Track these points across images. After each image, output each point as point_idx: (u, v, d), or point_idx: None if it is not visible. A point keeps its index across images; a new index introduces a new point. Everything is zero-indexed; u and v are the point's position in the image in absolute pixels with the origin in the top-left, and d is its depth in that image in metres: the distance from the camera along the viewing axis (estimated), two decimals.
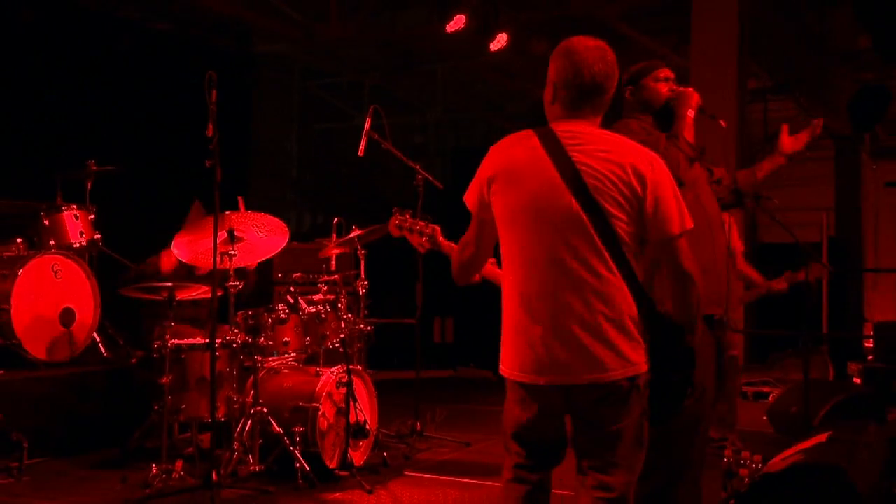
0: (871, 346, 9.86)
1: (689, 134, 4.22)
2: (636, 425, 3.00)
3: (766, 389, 8.88)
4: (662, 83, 4.14)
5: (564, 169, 2.94)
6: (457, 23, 9.56)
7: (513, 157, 3.06)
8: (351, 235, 6.32)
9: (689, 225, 3.02)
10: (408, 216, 3.75)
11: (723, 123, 4.65)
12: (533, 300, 2.98)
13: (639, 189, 2.93)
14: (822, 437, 4.67)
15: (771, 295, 6.46)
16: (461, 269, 3.31)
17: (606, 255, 2.92)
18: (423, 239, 3.68)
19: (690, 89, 4.28)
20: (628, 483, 3.02)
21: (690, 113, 4.21)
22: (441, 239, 3.66)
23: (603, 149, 2.97)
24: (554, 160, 2.96)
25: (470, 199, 3.16)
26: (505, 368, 3.08)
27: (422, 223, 3.71)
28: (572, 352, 2.92)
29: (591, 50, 3.09)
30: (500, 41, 9.93)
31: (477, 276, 3.38)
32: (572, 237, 2.93)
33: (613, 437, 2.98)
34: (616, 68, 3.11)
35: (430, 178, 6.85)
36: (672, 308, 3.05)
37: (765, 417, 6.93)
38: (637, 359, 2.95)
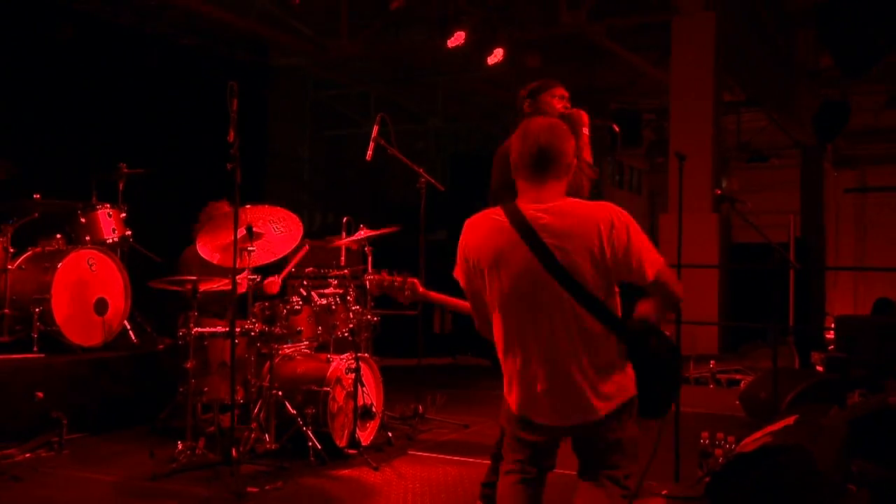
0: (832, 337, 9.86)
1: (587, 153, 4.32)
2: (630, 438, 3.08)
3: (737, 377, 8.88)
4: (557, 100, 4.25)
5: (541, 254, 2.95)
6: (457, 39, 9.55)
7: (490, 242, 3.05)
8: (359, 235, 6.32)
9: (660, 262, 3.04)
10: (384, 274, 3.62)
11: (615, 128, 4.74)
12: (531, 364, 3.02)
13: (608, 251, 2.93)
14: (790, 420, 4.68)
15: None
16: (482, 331, 3.30)
17: (588, 316, 2.96)
18: (405, 293, 3.57)
19: (581, 111, 4.35)
20: (628, 474, 3.09)
21: (586, 131, 4.31)
22: (421, 290, 3.56)
23: (569, 224, 2.97)
24: (529, 245, 2.96)
25: (459, 276, 3.20)
26: (511, 402, 3.13)
27: (399, 279, 3.58)
28: (571, 404, 2.99)
29: (541, 125, 3.12)
30: (496, 56, 9.93)
31: None
32: (557, 311, 2.97)
33: (612, 448, 3.06)
34: (565, 136, 3.10)
35: (432, 180, 6.84)
36: (642, 316, 3.10)
37: (737, 402, 6.93)
38: (622, 391, 3.02)
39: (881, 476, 4.34)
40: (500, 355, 3.15)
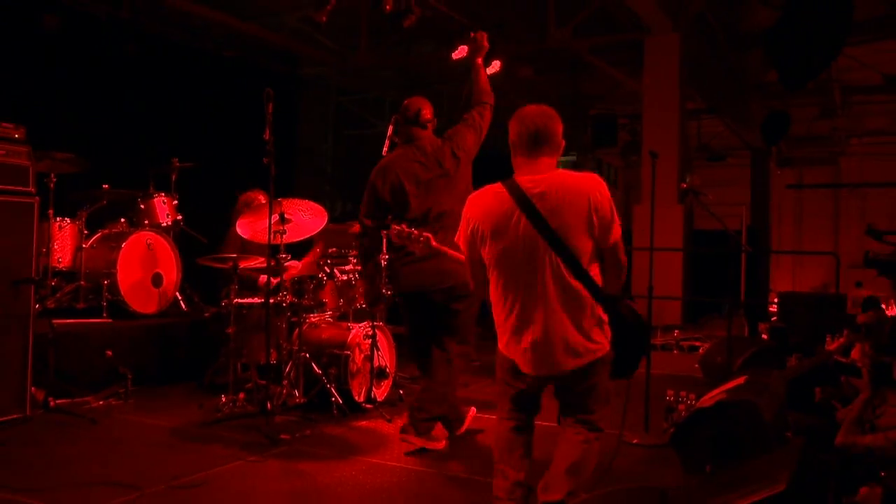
0: (775, 310, 9.85)
1: None
2: (604, 385, 3.11)
3: (697, 344, 8.86)
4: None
5: (535, 221, 2.96)
6: (460, 52, 9.40)
7: (491, 212, 3.06)
8: (388, 225, 6.26)
9: (619, 233, 3.07)
10: (404, 227, 3.74)
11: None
12: (523, 320, 3.02)
13: (594, 216, 2.96)
14: (741, 380, 4.67)
15: None
16: (481, 296, 3.33)
17: (572, 278, 2.97)
18: (420, 245, 3.66)
19: None
20: (603, 418, 3.10)
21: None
22: (434, 243, 3.66)
23: (562, 192, 2.97)
24: (525, 213, 2.97)
25: (461, 243, 3.20)
26: (506, 352, 3.11)
27: (416, 232, 3.68)
28: (557, 351, 3.00)
29: (533, 110, 3.12)
30: (493, 67, 9.81)
31: None
32: (548, 273, 2.97)
33: (588, 392, 3.09)
34: (555, 120, 3.11)
35: None
36: (608, 286, 3.10)
37: (697, 366, 6.92)
38: (602, 344, 3.04)
39: (811, 424, 4.38)
40: (495, 312, 3.14)
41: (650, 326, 3.36)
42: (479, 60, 4.86)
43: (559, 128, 3.11)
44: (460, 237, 3.18)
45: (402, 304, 4.81)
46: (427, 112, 4.81)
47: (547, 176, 3.02)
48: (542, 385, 3.13)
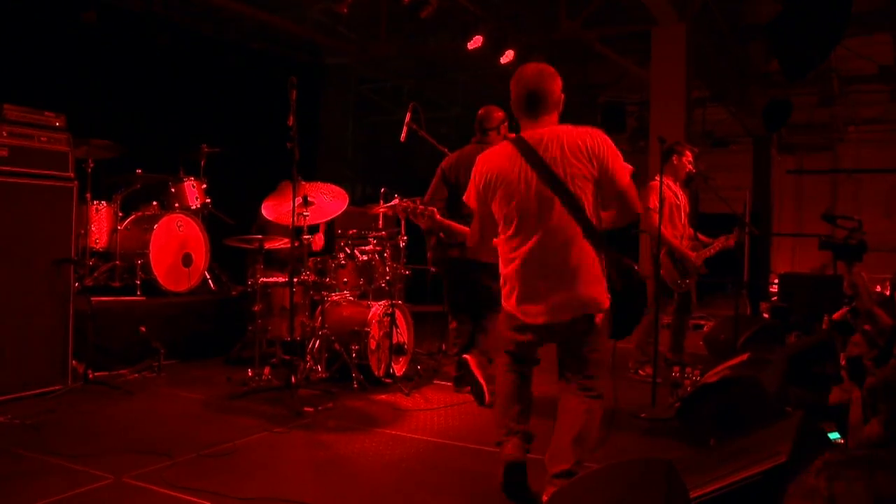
0: (776, 290, 9.79)
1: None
2: (602, 345, 3.09)
3: (702, 322, 8.82)
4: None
5: (540, 169, 2.95)
6: (475, 42, 9.43)
7: (500, 166, 3.04)
8: (393, 203, 6.23)
9: (629, 174, 3.05)
10: (409, 202, 3.68)
11: None
12: (533, 265, 3.00)
13: (592, 159, 2.95)
14: (743, 357, 4.66)
15: (724, 249, 6.11)
16: (473, 249, 3.42)
17: (577, 224, 2.94)
18: (425, 219, 3.60)
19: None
20: (604, 385, 3.08)
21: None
22: (438, 218, 3.61)
23: (560, 140, 2.97)
24: (530, 163, 2.96)
25: (469, 199, 3.18)
26: (510, 307, 3.09)
27: (421, 207, 3.62)
28: (560, 300, 2.98)
29: (531, 69, 3.11)
30: (507, 56, 9.80)
31: (488, 250, 3.33)
32: (553, 217, 2.95)
33: (589, 351, 3.05)
34: (552, 78, 3.08)
35: None
36: (612, 225, 3.10)
37: (701, 343, 6.87)
38: (603, 298, 3.02)
39: (810, 399, 4.36)
40: (502, 266, 3.12)
41: (645, 288, 3.32)
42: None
43: (557, 85, 3.09)
44: (470, 193, 3.17)
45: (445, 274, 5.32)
46: (498, 116, 5.25)
47: (549, 129, 3.03)
48: (544, 337, 3.10)
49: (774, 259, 17.15)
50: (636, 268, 3.18)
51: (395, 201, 6.19)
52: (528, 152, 2.97)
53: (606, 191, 3.02)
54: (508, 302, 3.11)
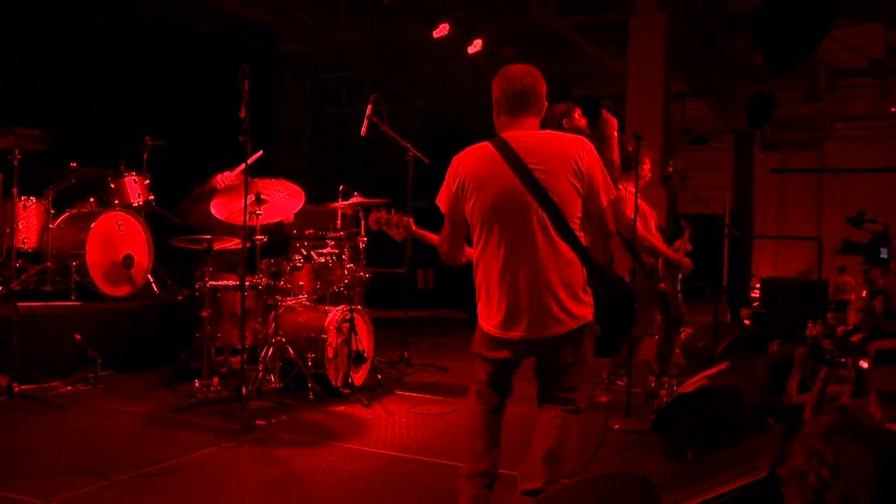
0: (758, 295, 9.93)
1: (615, 153, 4.70)
2: (586, 361, 3.04)
3: (679, 329, 8.89)
4: (579, 118, 4.79)
5: (522, 175, 2.93)
6: (441, 30, 9.45)
7: (477, 167, 3.01)
8: (353, 201, 6.23)
9: (613, 195, 3.06)
10: (384, 213, 3.55)
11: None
12: (508, 278, 2.98)
13: (581, 175, 2.95)
14: (722, 366, 4.72)
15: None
16: (446, 258, 3.27)
17: (559, 237, 2.94)
18: (399, 230, 3.50)
19: (611, 116, 5.03)
20: (583, 399, 3.07)
21: (614, 133, 5.00)
22: (415, 228, 3.51)
23: (547, 148, 2.96)
24: (512, 167, 2.94)
25: (441, 202, 3.12)
26: (485, 325, 3.07)
27: (395, 217, 3.51)
28: (541, 315, 2.95)
29: (520, 70, 3.09)
30: (475, 46, 9.85)
31: (463, 259, 3.30)
32: (534, 227, 2.94)
33: (569, 367, 3.01)
34: (540, 80, 3.08)
35: (418, 154, 6.78)
36: (595, 253, 3.07)
37: (678, 351, 6.94)
38: (585, 313, 3.00)
39: (791, 410, 4.42)
40: (479, 275, 3.07)
41: (634, 300, 3.32)
42: None
43: (544, 88, 3.09)
44: (442, 195, 3.11)
45: None
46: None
47: (535, 134, 3.01)
48: (522, 353, 3.06)
49: (756, 262, 17.42)
50: (625, 279, 3.19)
51: (355, 198, 6.24)
52: (512, 158, 2.94)
53: (587, 207, 3.02)
54: (483, 316, 3.10)
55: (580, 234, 2.99)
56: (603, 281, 3.07)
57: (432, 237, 3.51)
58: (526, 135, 2.99)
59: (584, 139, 3.04)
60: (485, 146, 3.03)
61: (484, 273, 3.05)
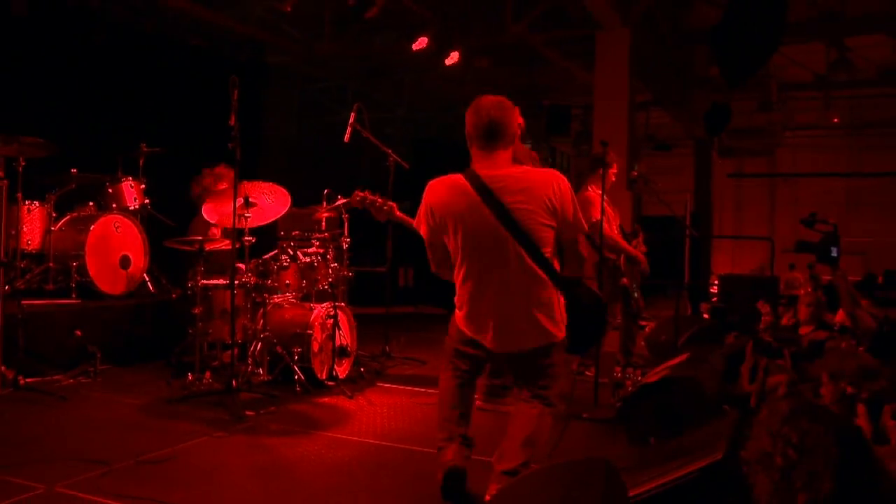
0: (716, 291, 10.02)
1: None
2: (560, 364, 3.10)
3: (643, 323, 8.94)
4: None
5: (498, 212, 2.93)
6: (420, 43, 9.46)
7: (454, 205, 3.00)
8: (337, 204, 6.22)
9: (585, 228, 3.10)
10: (368, 193, 3.50)
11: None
12: (485, 303, 3.02)
13: (556, 209, 2.96)
14: (683, 357, 4.75)
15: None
16: (435, 274, 3.27)
17: (535, 265, 2.96)
18: (381, 213, 3.47)
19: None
20: (557, 394, 3.09)
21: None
22: (397, 213, 3.48)
23: (522, 187, 2.95)
24: (489, 206, 2.93)
25: (422, 231, 3.14)
26: (464, 327, 3.10)
27: (380, 199, 3.47)
28: (515, 334, 3.01)
29: (490, 101, 3.05)
30: (453, 58, 9.87)
31: (450, 276, 3.30)
32: (510, 257, 2.96)
33: (544, 368, 3.06)
34: (510, 111, 3.04)
35: (399, 159, 6.77)
36: (567, 272, 3.11)
37: (643, 343, 6.99)
38: (558, 332, 3.04)
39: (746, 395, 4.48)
40: (458, 287, 3.11)
41: (604, 307, 3.36)
42: None
43: (514, 119, 3.06)
44: (420, 222, 3.12)
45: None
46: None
47: (509, 171, 2.99)
48: (498, 360, 3.13)
49: (715, 260, 17.58)
50: (597, 293, 3.23)
51: (340, 201, 6.22)
52: (485, 191, 2.93)
53: (560, 237, 3.04)
54: (462, 322, 3.12)
55: (553, 260, 3.01)
56: (573, 295, 3.10)
57: (412, 221, 3.52)
58: (501, 174, 2.97)
59: (558, 174, 3.03)
60: (460, 181, 3.00)
61: (464, 293, 3.09)
